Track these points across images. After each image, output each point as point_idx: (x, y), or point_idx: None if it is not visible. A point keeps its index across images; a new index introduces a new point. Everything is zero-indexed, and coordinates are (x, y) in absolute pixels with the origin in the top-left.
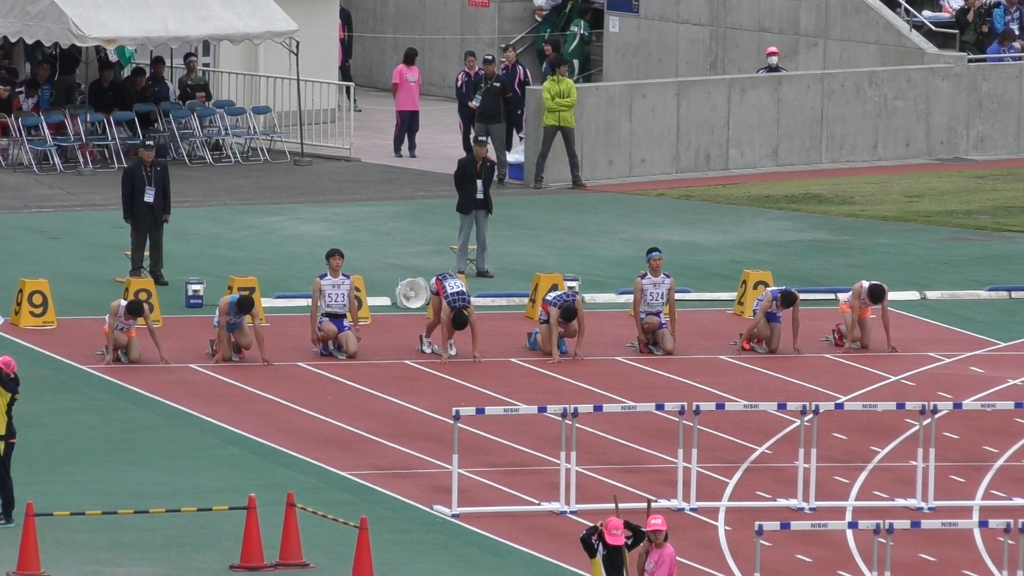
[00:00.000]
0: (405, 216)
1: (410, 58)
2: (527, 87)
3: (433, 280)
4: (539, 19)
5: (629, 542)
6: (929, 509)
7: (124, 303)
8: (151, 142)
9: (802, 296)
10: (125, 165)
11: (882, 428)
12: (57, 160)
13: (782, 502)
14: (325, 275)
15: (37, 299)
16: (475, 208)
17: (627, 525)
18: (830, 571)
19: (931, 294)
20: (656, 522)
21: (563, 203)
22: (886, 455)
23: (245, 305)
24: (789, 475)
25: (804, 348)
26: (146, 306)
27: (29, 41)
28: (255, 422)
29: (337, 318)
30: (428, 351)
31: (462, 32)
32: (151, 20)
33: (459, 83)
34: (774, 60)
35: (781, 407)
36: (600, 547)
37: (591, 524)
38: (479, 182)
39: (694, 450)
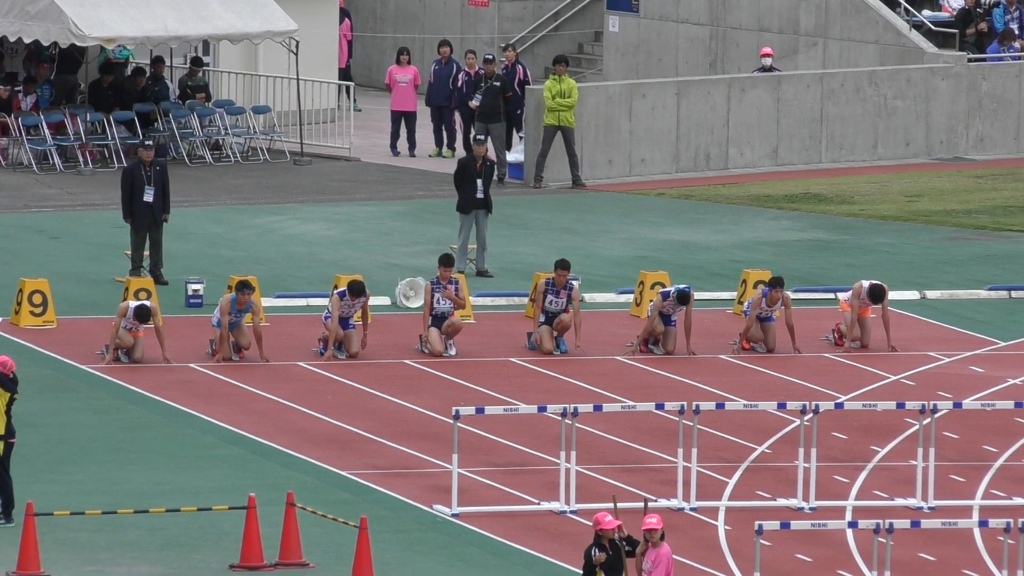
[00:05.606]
0: (405, 216)
1: (400, 57)
2: (527, 86)
3: (427, 283)
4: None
5: (628, 548)
6: (929, 508)
7: (133, 306)
8: (151, 142)
9: (802, 296)
10: (125, 165)
11: (882, 428)
12: (57, 160)
13: (782, 502)
14: (345, 295)
15: (37, 299)
16: (475, 208)
17: (627, 540)
18: (830, 571)
19: (931, 293)
20: (651, 521)
21: (563, 203)
22: (886, 455)
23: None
24: (789, 475)
25: (804, 347)
26: (153, 307)
27: (27, 40)
28: (255, 422)
29: (343, 319)
30: (427, 351)
31: (462, 32)
32: (151, 20)
33: (459, 82)
34: (768, 61)
35: (781, 406)
36: (597, 552)
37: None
38: (479, 181)
39: (694, 449)
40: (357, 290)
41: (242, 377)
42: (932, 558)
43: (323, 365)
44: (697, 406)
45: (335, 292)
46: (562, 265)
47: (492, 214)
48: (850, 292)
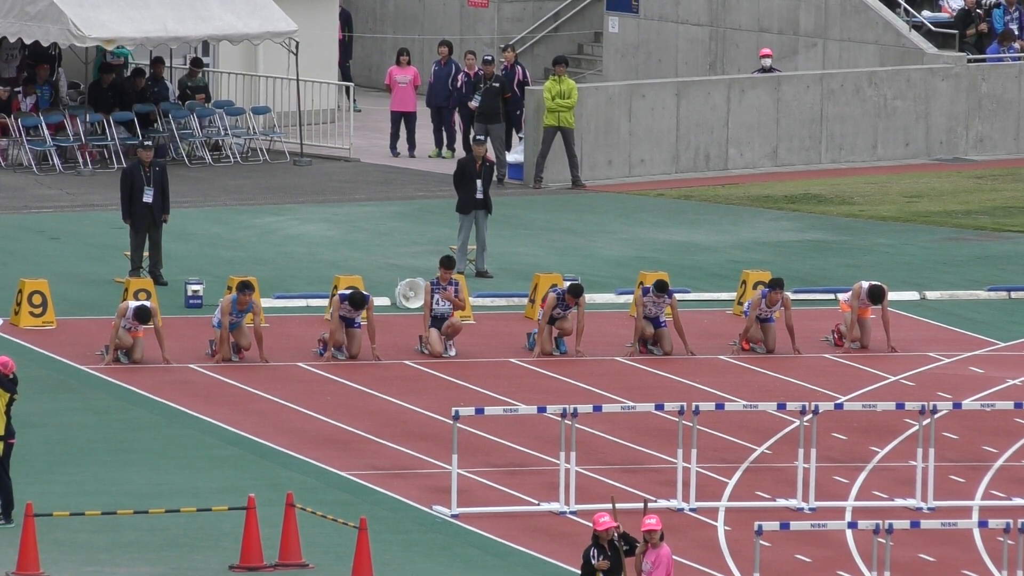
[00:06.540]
0: (404, 216)
1: (399, 58)
2: (526, 87)
3: (427, 283)
4: None
5: (627, 548)
6: (929, 509)
7: (132, 307)
8: (150, 142)
9: (802, 296)
10: (124, 165)
11: (882, 428)
12: (56, 160)
13: (782, 502)
14: (345, 299)
15: (37, 299)
16: (474, 208)
17: (625, 538)
18: (830, 571)
19: (930, 294)
20: (651, 522)
21: (563, 203)
22: (886, 455)
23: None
24: (789, 475)
25: (803, 348)
26: (153, 308)
27: (28, 41)
28: (254, 422)
29: (348, 319)
30: (426, 351)
31: (461, 32)
32: (150, 20)
33: (459, 83)
34: (767, 62)
35: (780, 407)
36: (596, 556)
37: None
38: (478, 182)
39: (693, 450)
40: (358, 303)
41: (242, 378)
42: (932, 559)
43: (322, 366)
44: (697, 407)
45: (337, 294)
46: (574, 292)
47: (492, 215)
48: (850, 293)
